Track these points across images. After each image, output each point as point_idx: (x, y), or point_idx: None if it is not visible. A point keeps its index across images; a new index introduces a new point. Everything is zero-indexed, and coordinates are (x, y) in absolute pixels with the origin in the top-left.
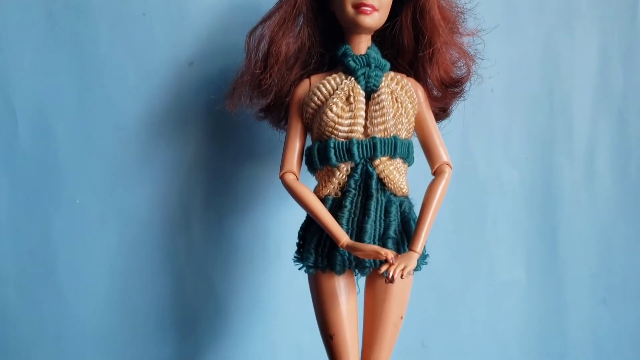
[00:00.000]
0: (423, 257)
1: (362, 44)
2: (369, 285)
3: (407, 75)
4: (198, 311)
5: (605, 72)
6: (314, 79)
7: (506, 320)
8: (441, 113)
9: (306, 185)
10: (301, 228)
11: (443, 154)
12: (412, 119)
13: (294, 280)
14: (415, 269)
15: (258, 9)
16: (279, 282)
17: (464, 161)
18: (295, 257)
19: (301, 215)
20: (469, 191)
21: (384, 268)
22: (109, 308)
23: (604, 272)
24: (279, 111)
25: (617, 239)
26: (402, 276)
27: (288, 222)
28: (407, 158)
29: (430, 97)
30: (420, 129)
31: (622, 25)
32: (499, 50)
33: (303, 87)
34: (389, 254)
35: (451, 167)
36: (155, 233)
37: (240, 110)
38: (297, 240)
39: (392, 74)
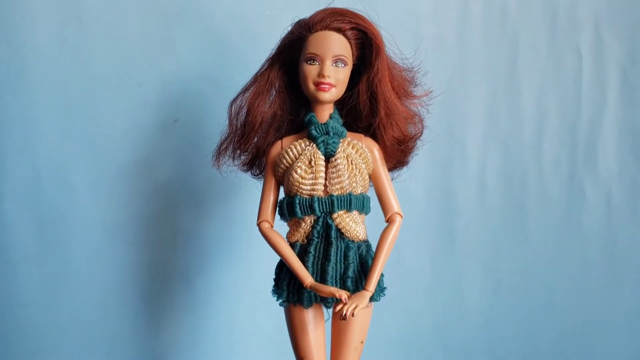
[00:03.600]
0: (381, 289)
1: (325, 112)
2: (335, 314)
3: (366, 135)
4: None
5: (493, 110)
6: (285, 141)
7: (413, 302)
8: (398, 164)
9: (280, 229)
10: (277, 266)
11: (394, 204)
12: (367, 176)
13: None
14: (374, 300)
15: (236, 80)
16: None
17: None
18: (272, 289)
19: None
20: None
21: (338, 307)
22: (116, 310)
23: (493, 269)
24: (258, 167)
25: (503, 241)
26: (352, 314)
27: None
28: (363, 209)
29: (387, 154)
30: (375, 183)
31: (505, 75)
32: None
33: (276, 149)
34: (343, 295)
35: (401, 216)
36: (148, 254)
37: (226, 168)
38: (274, 276)
39: (349, 138)
